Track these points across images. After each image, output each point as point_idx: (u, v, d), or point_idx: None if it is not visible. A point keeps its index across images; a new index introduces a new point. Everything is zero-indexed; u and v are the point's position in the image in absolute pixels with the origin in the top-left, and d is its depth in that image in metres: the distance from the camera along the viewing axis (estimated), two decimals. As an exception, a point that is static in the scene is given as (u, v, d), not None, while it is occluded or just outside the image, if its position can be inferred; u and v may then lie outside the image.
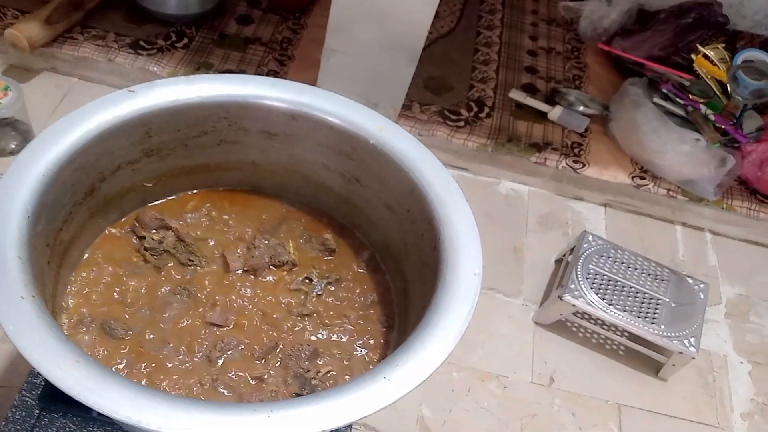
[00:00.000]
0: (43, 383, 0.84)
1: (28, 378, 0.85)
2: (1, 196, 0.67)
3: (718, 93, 1.78)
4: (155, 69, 1.62)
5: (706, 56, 1.81)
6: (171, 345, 0.80)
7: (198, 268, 0.88)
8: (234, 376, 0.79)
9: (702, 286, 1.45)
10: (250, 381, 0.79)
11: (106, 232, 0.88)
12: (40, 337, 0.58)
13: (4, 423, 0.81)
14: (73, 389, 0.55)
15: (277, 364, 0.81)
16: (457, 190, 0.80)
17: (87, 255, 0.85)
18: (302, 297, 0.89)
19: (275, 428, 0.56)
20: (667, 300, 1.39)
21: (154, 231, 0.89)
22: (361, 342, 0.86)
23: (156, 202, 0.93)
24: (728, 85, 1.76)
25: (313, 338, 0.85)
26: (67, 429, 0.81)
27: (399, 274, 0.90)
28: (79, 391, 0.55)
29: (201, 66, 1.68)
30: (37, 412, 0.82)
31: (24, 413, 0.82)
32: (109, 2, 1.75)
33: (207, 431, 0.54)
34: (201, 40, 1.74)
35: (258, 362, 0.81)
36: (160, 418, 0.54)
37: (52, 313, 0.72)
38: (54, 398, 0.82)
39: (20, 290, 0.60)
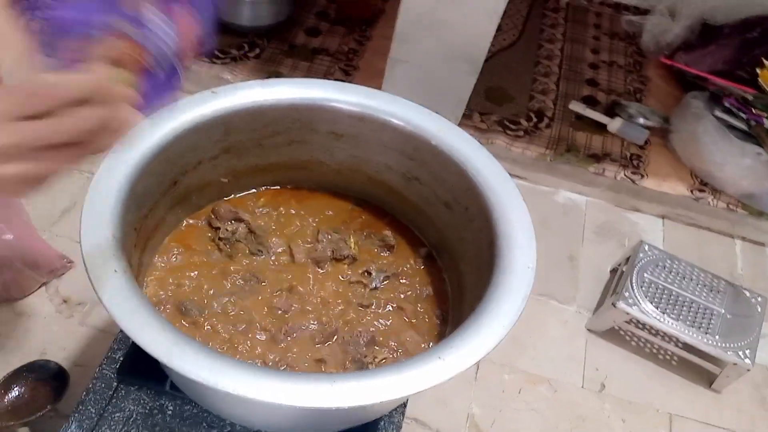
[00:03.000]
0: (121, 358, 0.91)
1: (107, 353, 0.92)
2: (101, 180, 0.74)
3: (782, 107, 1.76)
4: (228, 77, 1.71)
5: (771, 70, 1.80)
6: (240, 326, 0.86)
7: (266, 257, 0.95)
8: (296, 358, 0.84)
9: (760, 299, 1.44)
10: (311, 363, 0.84)
11: (185, 222, 0.95)
12: (131, 307, 0.64)
13: (84, 393, 0.88)
14: (160, 353, 0.61)
15: (337, 349, 0.86)
16: (514, 189, 0.84)
17: (167, 242, 0.93)
18: (361, 289, 0.94)
19: (337, 396, 0.61)
20: (723, 311, 1.39)
21: (228, 223, 0.96)
22: (415, 333, 0.90)
23: (230, 197, 1.00)
24: (793, 100, 1.74)
25: (371, 327, 0.90)
26: (142, 401, 0.88)
27: (455, 270, 0.94)
28: (165, 355, 0.61)
29: (271, 75, 1.76)
30: (115, 384, 0.89)
31: (103, 385, 0.89)
32: (188, 14, 1.86)
33: (273, 394, 0.60)
34: (271, 50, 1.83)
35: (319, 346, 0.86)
36: (232, 381, 0.60)
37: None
38: (131, 372, 0.89)
39: (114, 264, 0.67)
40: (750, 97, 1.77)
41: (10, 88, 0.44)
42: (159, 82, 0.55)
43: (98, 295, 0.64)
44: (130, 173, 0.76)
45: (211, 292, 0.89)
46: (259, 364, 0.82)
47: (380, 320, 0.91)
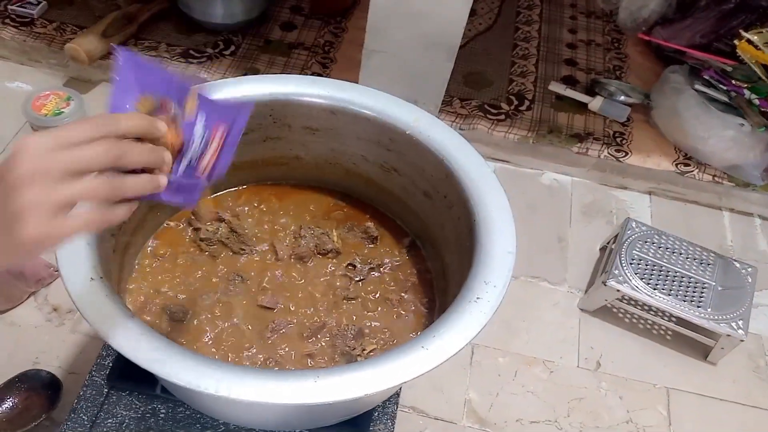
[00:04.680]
0: (111, 364, 0.90)
1: (97, 360, 0.92)
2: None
3: (762, 77, 1.76)
4: (205, 76, 1.70)
5: (749, 41, 1.79)
6: (226, 326, 0.86)
7: (249, 256, 0.94)
8: (284, 354, 0.84)
9: (750, 269, 1.44)
10: (300, 359, 0.84)
11: (165, 224, 0.95)
12: (109, 313, 0.64)
13: (76, 401, 0.88)
14: (140, 359, 0.60)
15: (325, 343, 0.86)
16: (490, 174, 0.84)
17: (148, 245, 0.92)
18: (347, 282, 0.93)
19: (321, 392, 0.61)
20: (714, 284, 1.39)
21: (209, 223, 0.95)
22: (403, 322, 0.90)
23: (211, 196, 0.99)
24: (773, 69, 1.74)
25: (358, 320, 0.90)
26: (133, 406, 0.88)
27: (438, 258, 0.94)
28: (145, 360, 0.60)
29: (248, 71, 1.75)
30: (106, 390, 0.89)
31: (94, 392, 0.89)
32: (160, 15, 1.85)
33: (257, 393, 0.60)
34: (247, 47, 1.81)
35: (307, 341, 0.86)
36: (215, 382, 0.60)
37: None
38: (121, 377, 0.89)
39: (90, 272, 0.67)
40: (729, 69, 1.77)
41: (76, 121, 0.47)
42: (176, 183, 0.56)
43: (75, 305, 0.63)
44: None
45: (196, 293, 0.89)
46: (247, 364, 0.82)
47: (367, 312, 0.91)
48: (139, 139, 0.51)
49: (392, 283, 0.94)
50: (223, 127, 0.60)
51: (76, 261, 0.67)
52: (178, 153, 0.57)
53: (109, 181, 0.47)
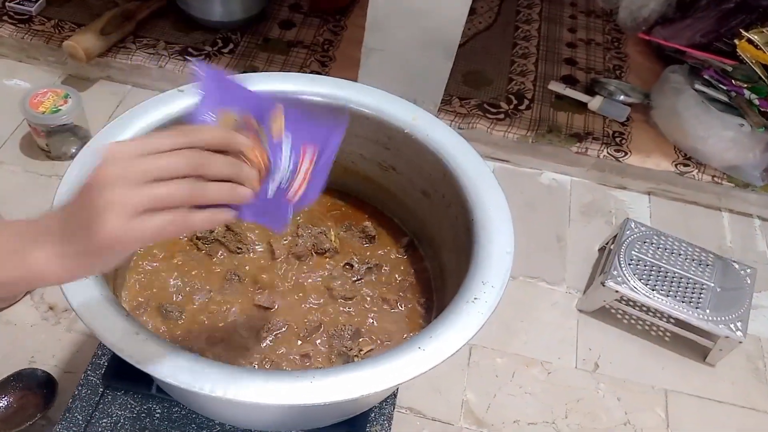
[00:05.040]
0: (106, 363, 0.90)
1: (92, 359, 0.91)
2: (65, 191, 0.73)
3: (763, 77, 1.75)
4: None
5: (750, 41, 1.79)
6: (222, 326, 0.85)
7: (246, 255, 0.94)
8: (281, 354, 0.83)
9: (749, 270, 1.44)
10: (296, 358, 0.83)
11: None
12: (103, 312, 0.63)
13: (71, 400, 0.88)
14: (134, 358, 0.60)
15: (322, 343, 0.86)
16: (489, 173, 0.83)
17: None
18: (344, 281, 0.93)
19: (318, 393, 0.61)
20: (712, 285, 1.39)
21: (205, 222, 0.94)
22: (400, 323, 0.90)
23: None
24: (773, 69, 1.73)
25: (356, 320, 0.89)
26: (129, 406, 0.87)
27: (436, 258, 0.94)
28: (139, 360, 0.60)
29: (246, 70, 1.74)
30: (101, 390, 0.88)
31: (89, 391, 0.88)
32: (159, 12, 1.84)
33: (253, 395, 0.59)
34: (246, 45, 1.81)
35: (303, 341, 0.85)
36: (211, 383, 0.59)
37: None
38: (117, 377, 0.88)
39: (84, 271, 0.66)
40: (729, 69, 1.76)
41: (164, 132, 0.49)
42: (263, 204, 0.55)
43: (70, 304, 0.63)
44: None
45: (192, 292, 0.89)
46: (243, 364, 0.81)
47: (364, 312, 0.90)
48: (224, 152, 0.51)
49: (390, 283, 0.94)
50: (313, 149, 0.58)
51: (70, 259, 0.67)
52: (266, 174, 0.55)
53: (189, 185, 0.48)
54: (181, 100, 0.84)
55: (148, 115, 0.82)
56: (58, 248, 0.47)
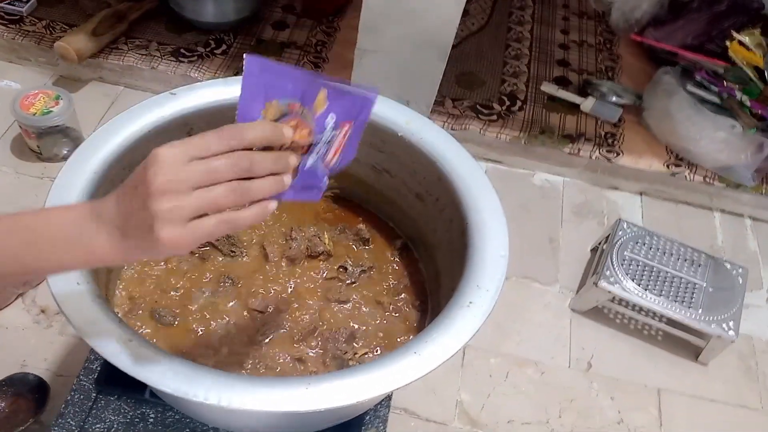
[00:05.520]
0: (99, 368, 0.89)
1: (85, 364, 0.91)
2: (56, 194, 0.72)
3: (754, 79, 1.76)
4: (196, 75, 1.69)
5: (741, 42, 1.79)
6: (216, 330, 0.85)
7: (240, 258, 0.93)
8: (275, 358, 0.83)
9: (741, 270, 1.44)
10: (291, 362, 0.83)
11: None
12: (95, 319, 0.63)
13: (63, 405, 0.87)
14: (126, 364, 0.60)
15: (316, 347, 0.85)
16: (483, 177, 0.83)
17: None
18: (338, 284, 0.93)
19: (312, 400, 0.60)
20: (704, 285, 1.39)
21: (198, 225, 0.94)
22: (395, 326, 0.90)
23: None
24: (765, 70, 1.74)
25: (350, 323, 0.89)
26: (122, 410, 0.87)
27: (430, 261, 0.94)
28: (131, 366, 0.59)
29: (239, 71, 1.73)
30: (94, 395, 0.88)
31: (82, 396, 0.88)
32: (151, 13, 1.83)
33: (247, 402, 0.59)
34: (239, 46, 1.80)
35: (298, 345, 0.85)
36: (204, 390, 0.59)
37: (106, 301, 0.77)
38: (110, 382, 0.88)
39: (76, 277, 0.66)
40: (721, 70, 1.77)
41: (204, 133, 0.50)
42: (300, 181, 0.57)
43: (61, 309, 0.62)
44: (90, 180, 0.74)
45: (185, 296, 0.88)
46: (237, 371, 0.81)
47: (359, 315, 0.90)
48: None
49: (384, 286, 0.94)
50: (350, 123, 0.61)
51: (63, 265, 0.66)
52: (307, 150, 0.57)
53: (235, 189, 0.50)
54: (174, 103, 0.84)
55: (141, 118, 0.82)
56: (119, 239, 0.51)
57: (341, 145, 0.61)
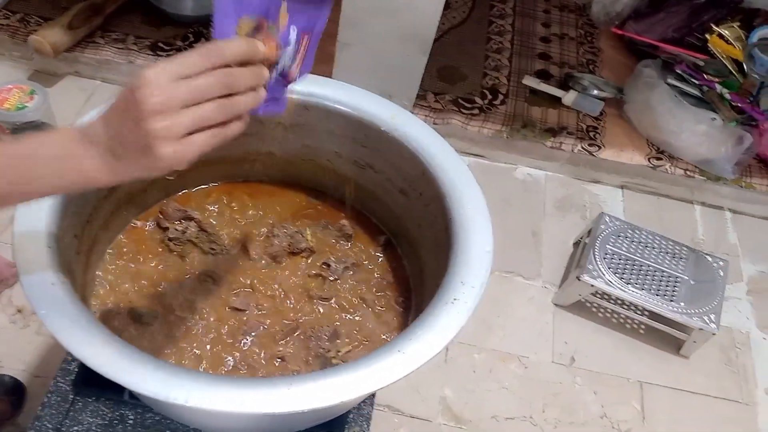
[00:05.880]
0: (76, 369, 0.87)
1: (62, 365, 0.89)
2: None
3: (733, 72, 1.78)
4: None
5: (721, 35, 1.81)
6: (196, 329, 0.83)
7: (220, 256, 0.92)
8: (257, 357, 0.82)
9: (721, 263, 1.45)
10: (273, 361, 0.82)
11: (132, 224, 0.92)
12: (71, 320, 0.61)
13: (40, 408, 0.85)
14: (103, 367, 0.58)
15: (299, 345, 0.84)
16: (467, 172, 0.82)
17: (114, 246, 0.89)
18: (321, 281, 0.91)
19: (294, 401, 0.59)
20: (686, 278, 1.40)
21: (177, 222, 0.92)
22: (379, 322, 0.89)
23: (178, 194, 0.96)
24: (744, 64, 1.75)
25: (333, 320, 0.88)
26: (100, 412, 0.85)
27: (414, 257, 0.93)
28: (109, 369, 0.58)
29: (219, 65, 1.71)
30: (72, 396, 0.86)
31: (59, 398, 0.86)
32: (128, 6, 1.80)
33: (228, 404, 0.57)
34: (218, 39, 1.78)
35: (280, 343, 0.84)
36: (184, 392, 0.57)
37: (83, 300, 0.75)
38: (87, 383, 0.86)
39: (51, 277, 0.64)
40: (701, 63, 1.78)
41: (186, 53, 0.52)
42: (269, 93, 0.59)
43: (36, 311, 0.61)
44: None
45: (165, 295, 0.86)
46: (219, 370, 0.80)
47: (342, 312, 0.89)
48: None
49: (368, 283, 0.92)
50: (309, 34, 0.64)
51: (36, 264, 0.65)
52: (273, 65, 0.60)
53: (223, 104, 0.53)
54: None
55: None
56: (111, 159, 0.52)
57: (302, 57, 0.64)
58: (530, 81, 1.83)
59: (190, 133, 0.51)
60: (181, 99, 0.50)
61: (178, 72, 0.50)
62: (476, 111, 1.73)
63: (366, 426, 0.90)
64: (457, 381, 1.30)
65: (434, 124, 1.67)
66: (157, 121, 0.49)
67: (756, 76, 1.73)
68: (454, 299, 0.69)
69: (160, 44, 1.72)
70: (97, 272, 0.86)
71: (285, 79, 0.64)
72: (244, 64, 0.54)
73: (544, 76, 1.88)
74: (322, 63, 1.73)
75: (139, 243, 0.91)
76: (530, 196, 1.68)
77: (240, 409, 0.57)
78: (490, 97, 1.78)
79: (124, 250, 0.90)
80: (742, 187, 1.70)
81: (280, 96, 0.65)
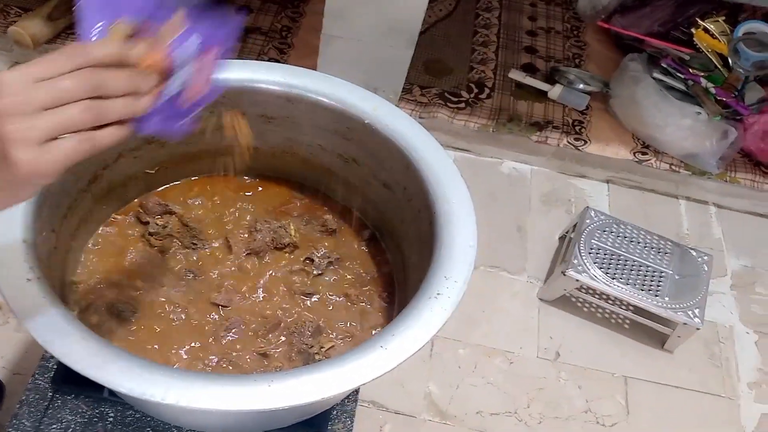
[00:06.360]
0: (55, 366, 0.86)
1: (40, 362, 0.87)
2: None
3: (719, 66, 1.78)
4: (157, 61, 1.64)
5: (706, 30, 1.81)
6: (177, 326, 0.82)
7: (202, 251, 0.90)
8: (239, 354, 0.81)
9: (706, 258, 1.45)
10: (255, 358, 0.81)
11: (112, 218, 0.90)
12: (47, 317, 0.60)
13: (18, 406, 0.84)
14: (79, 364, 0.57)
15: (282, 341, 0.83)
16: (452, 166, 0.81)
17: (93, 240, 0.88)
18: (304, 277, 0.90)
19: (275, 398, 0.58)
20: (671, 272, 1.40)
21: (158, 216, 0.91)
22: (362, 318, 0.88)
23: (159, 189, 0.95)
24: (729, 58, 1.75)
25: (316, 316, 0.87)
26: (80, 410, 0.84)
27: (398, 252, 0.92)
28: (85, 367, 0.57)
29: (202, 57, 1.69)
30: (50, 394, 0.84)
31: (37, 396, 0.84)
32: (110, -3, 1.77)
33: (208, 402, 0.56)
34: (201, 31, 1.76)
35: (262, 340, 0.83)
36: (161, 389, 0.56)
37: (61, 296, 0.74)
38: (66, 381, 0.84)
39: (26, 273, 0.62)
40: (687, 57, 1.78)
41: (48, 54, 0.47)
42: (160, 111, 0.54)
43: (11, 308, 0.59)
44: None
45: (145, 290, 0.85)
46: (199, 367, 0.79)
47: (325, 308, 0.88)
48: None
49: (351, 278, 0.92)
50: (215, 50, 0.57)
51: (11, 260, 0.63)
52: (166, 77, 0.54)
53: (90, 107, 0.47)
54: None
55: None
56: None
57: (210, 72, 0.57)
58: (516, 75, 1.82)
59: (56, 139, 0.46)
60: (40, 101, 0.46)
61: (37, 74, 0.46)
62: (462, 105, 1.72)
63: (350, 422, 0.89)
64: (442, 376, 1.30)
65: (420, 117, 1.66)
66: (8, 123, 0.45)
67: (741, 70, 1.73)
68: (438, 294, 0.69)
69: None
70: (76, 267, 0.85)
71: (184, 95, 0.56)
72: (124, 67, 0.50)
73: (530, 69, 1.88)
74: (307, 56, 1.72)
75: (119, 238, 0.89)
76: (516, 190, 1.68)
77: (219, 407, 0.56)
78: (476, 90, 1.77)
79: (104, 244, 0.88)
80: (726, 181, 1.71)
81: (177, 114, 0.56)
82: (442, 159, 0.82)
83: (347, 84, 0.88)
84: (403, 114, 0.86)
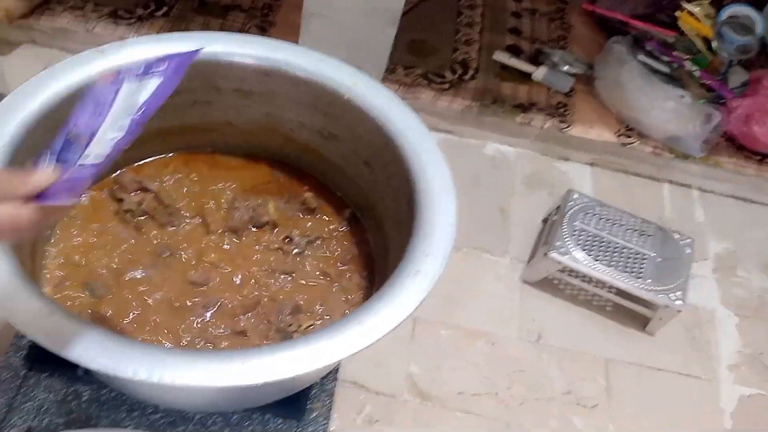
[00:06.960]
0: (28, 344, 0.85)
1: (13, 340, 0.86)
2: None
3: (703, 49, 1.77)
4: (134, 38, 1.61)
5: (690, 13, 1.80)
6: (153, 304, 0.80)
7: (178, 229, 0.89)
8: (216, 333, 0.79)
9: (688, 240, 1.45)
10: (233, 336, 0.79)
11: (85, 194, 0.88)
12: (15, 293, 0.58)
13: (-10, 385, 0.82)
14: (47, 341, 0.55)
15: (259, 320, 0.82)
16: (431, 141, 0.80)
17: (67, 217, 0.86)
18: (283, 256, 0.89)
19: (249, 375, 0.57)
20: (653, 255, 1.40)
21: (134, 193, 0.89)
22: (342, 297, 0.87)
23: (135, 165, 0.93)
24: (713, 41, 1.75)
25: (295, 295, 0.86)
26: (54, 388, 0.83)
27: (378, 231, 0.91)
28: (54, 343, 0.55)
29: (182, 35, 1.66)
30: (24, 372, 0.83)
31: (10, 374, 0.83)
32: (87, -28, 1.74)
33: (180, 378, 0.55)
34: (180, 7, 1.73)
35: (240, 318, 0.81)
36: (132, 366, 0.55)
37: (32, 274, 0.72)
38: (40, 359, 0.83)
39: (-7, 246, 0.61)
40: (671, 40, 1.77)
41: None
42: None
43: (-25, 282, 0.58)
44: (5, 147, 0.68)
45: (120, 268, 0.83)
46: (177, 344, 0.77)
47: (304, 287, 0.87)
48: None
49: (331, 257, 0.90)
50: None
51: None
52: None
53: None
54: (102, 61, 0.78)
55: (64, 78, 0.77)
56: None
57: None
58: (501, 56, 1.81)
59: None
60: None
61: None
62: (446, 86, 1.70)
63: (329, 401, 0.88)
64: (423, 358, 1.29)
65: (404, 98, 1.64)
66: None
67: (725, 54, 1.73)
68: (417, 271, 0.68)
69: (120, 12, 1.67)
70: (48, 244, 0.83)
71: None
72: None
73: (514, 51, 1.86)
74: (288, 34, 1.69)
75: (93, 213, 0.87)
76: (499, 173, 1.67)
77: (191, 383, 0.55)
78: (460, 71, 1.75)
79: (77, 221, 0.86)
80: (710, 165, 1.70)
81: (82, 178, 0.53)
82: (421, 134, 0.81)
83: (327, 58, 0.87)
84: (383, 88, 0.85)
